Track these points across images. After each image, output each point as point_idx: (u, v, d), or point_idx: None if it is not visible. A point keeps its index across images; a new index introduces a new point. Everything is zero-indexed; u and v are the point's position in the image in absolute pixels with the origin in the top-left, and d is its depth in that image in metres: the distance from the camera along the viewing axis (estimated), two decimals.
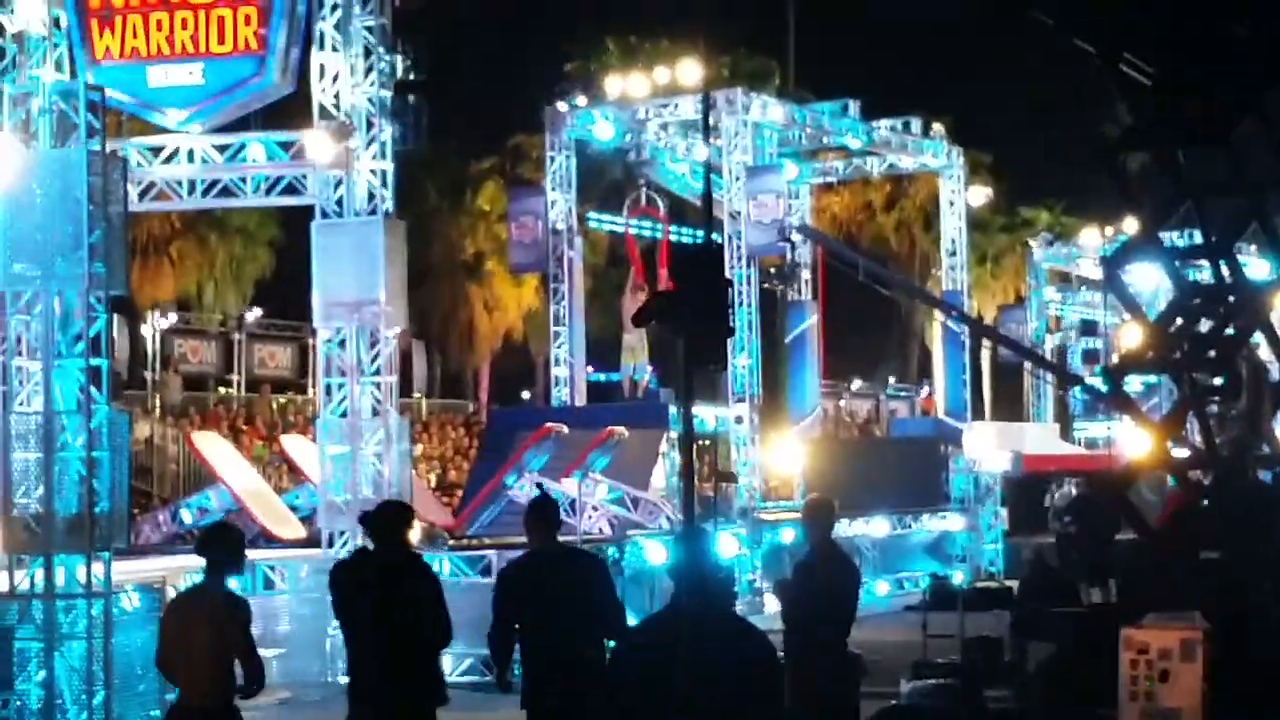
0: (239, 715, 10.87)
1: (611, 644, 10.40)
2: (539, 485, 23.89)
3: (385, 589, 10.84)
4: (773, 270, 35.87)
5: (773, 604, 14.59)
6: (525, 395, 56.76)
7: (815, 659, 12.66)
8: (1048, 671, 16.58)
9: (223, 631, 10.69)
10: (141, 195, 21.97)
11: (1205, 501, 16.70)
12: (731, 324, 9.64)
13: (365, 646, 10.85)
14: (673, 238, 36.22)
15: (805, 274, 37.03)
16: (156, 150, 22.02)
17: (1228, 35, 15.71)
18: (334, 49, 21.28)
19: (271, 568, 21.94)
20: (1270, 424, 17.56)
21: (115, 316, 20.26)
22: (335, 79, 21.28)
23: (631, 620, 11.18)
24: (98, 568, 16.47)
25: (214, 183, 22.06)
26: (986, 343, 42.70)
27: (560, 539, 11.56)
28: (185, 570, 19.46)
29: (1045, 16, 16.13)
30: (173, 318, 48.84)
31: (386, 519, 11.26)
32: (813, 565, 12.88)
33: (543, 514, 11.15)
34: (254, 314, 50.06)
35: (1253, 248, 37.06)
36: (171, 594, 17.94)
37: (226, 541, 11.24)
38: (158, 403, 43.05)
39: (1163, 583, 14.93)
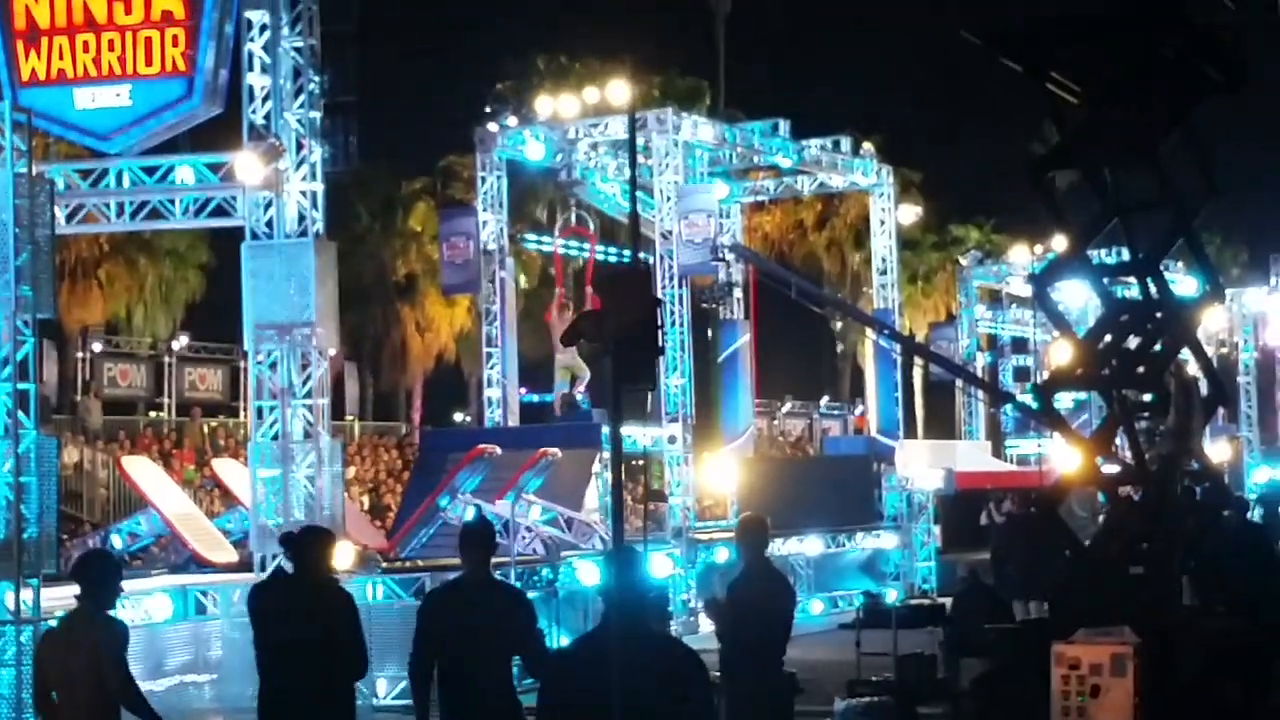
0: None
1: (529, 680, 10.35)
2: (476, 507, 23.83)
3: (302, 614, 10.78)
4: (705, 290, 35.91)
5: (707, 624, 14.58)
6: (458, 416, 56.60)
7: (750, 678, 12.67)
8: (981, 688, 16.63)
9: (100, 661, 10.30)
10: (69, 218, 21.82)
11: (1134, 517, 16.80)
12: (662, 343, 9.60)
13: (279, 672, 10.79)
14: (603, 257, 36.24)
15: (738, 293, 37.08)
16: (85, 173, 21.88)
17: (1155, 53, 15.82)
18: (263, 70, 21.19)
19: (204, 592, 21.80)
20: (1199, 440, 17.69)
21: (43, 340, 20.11)
22: (264, 100, 21.20)
23: (564, 640, 11.16)
24: (26, 594, 16.35)
25: (143, 204, 21.91)
26: (919, 361, 42.89)
27: (494, 560, 11.51)
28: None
29: (973, 35, 16.20)
30: (100, 341, 48.45)
31: (306, 543, 11.20)
32: (747, 584, 12.89)
33: (476, 538, 11.07)
34: (183, 338, 49.74)
35: (1180, 265, 37.47)
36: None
37: (99, 568, 10.92)
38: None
39: (1093, 598, 15.00)
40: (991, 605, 20.26)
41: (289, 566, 11.44)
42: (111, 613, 10.70)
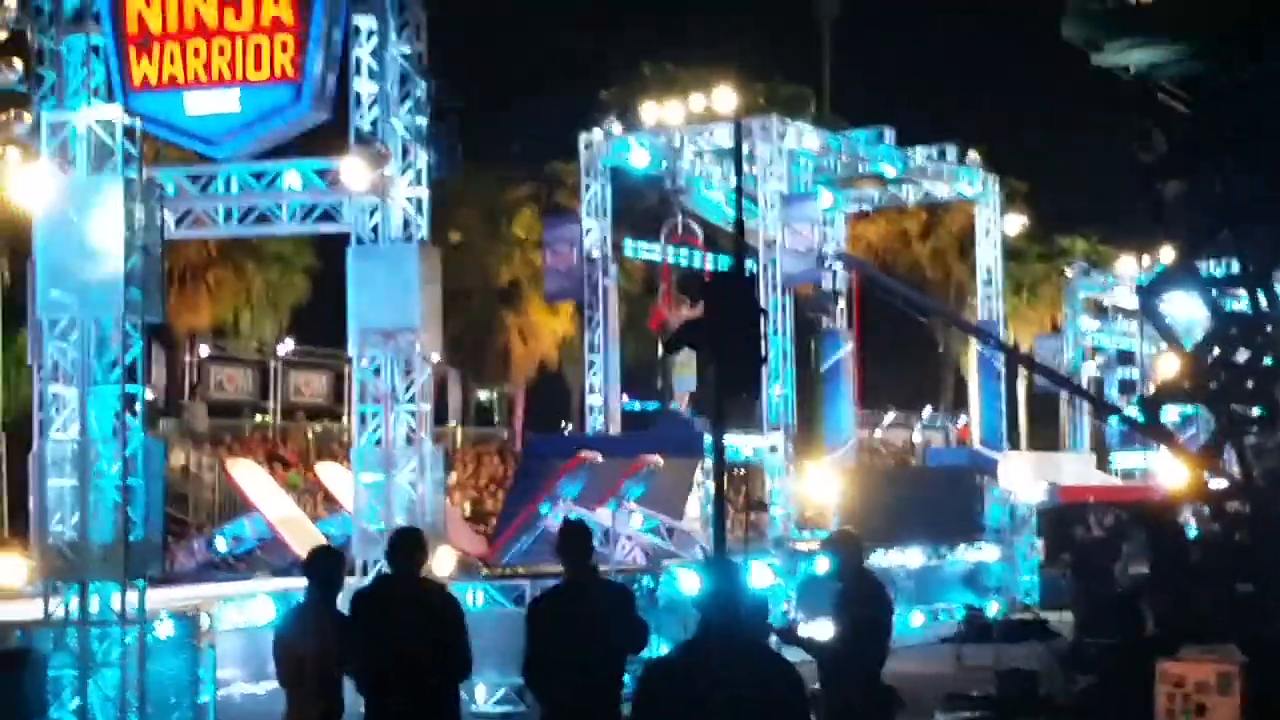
0: None
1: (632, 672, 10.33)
2: (580, 519, 23.85)
3: (407, 616, 10.81)
4: (810, 300, 35.81)
5: (807, 633, 14.50)
6: (561, 423, 56.75)
7: (850, 691, 12.59)
8: (1083, 704, 16.49)
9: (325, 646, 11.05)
10: (178, 222, 22.01)
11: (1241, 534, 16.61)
12: (765, 352, 9.56)
13: (384, 675, 10.79)
14: (710, 266, 36.21)
15: (840, 303, 36.96)
16: (194, 178, 22.06)
17: (1268, 60, 15.65)
18: (370, 76, 21.31)
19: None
20: None
21: (152, 344, 20.29)
22: (371, 106, 21.32)
23: (664, 650, 11.12)
24: (132, 595, 16.49)
25: (250, 210, 22.06)
26: (1023, 372, 42.56)
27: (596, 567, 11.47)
28: (220, 597, 19.50)
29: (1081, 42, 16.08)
30: (208, 345, 48.94)
31: (398, 546, 11.30)
32: (847, 596, 12.81)
33: (571, 541, 11.03)
34: (289, 342, 50.14)
35: None
36: (206, 621, 18.01)
37: (330, 562, 11.71)
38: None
39: (1199, 616, 14.84)
40: (1121, 621, 19.89)
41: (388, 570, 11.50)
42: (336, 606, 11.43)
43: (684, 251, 36.90)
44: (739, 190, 12.30)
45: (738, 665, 8.25)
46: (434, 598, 11.25)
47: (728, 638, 8.38)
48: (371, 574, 20.74)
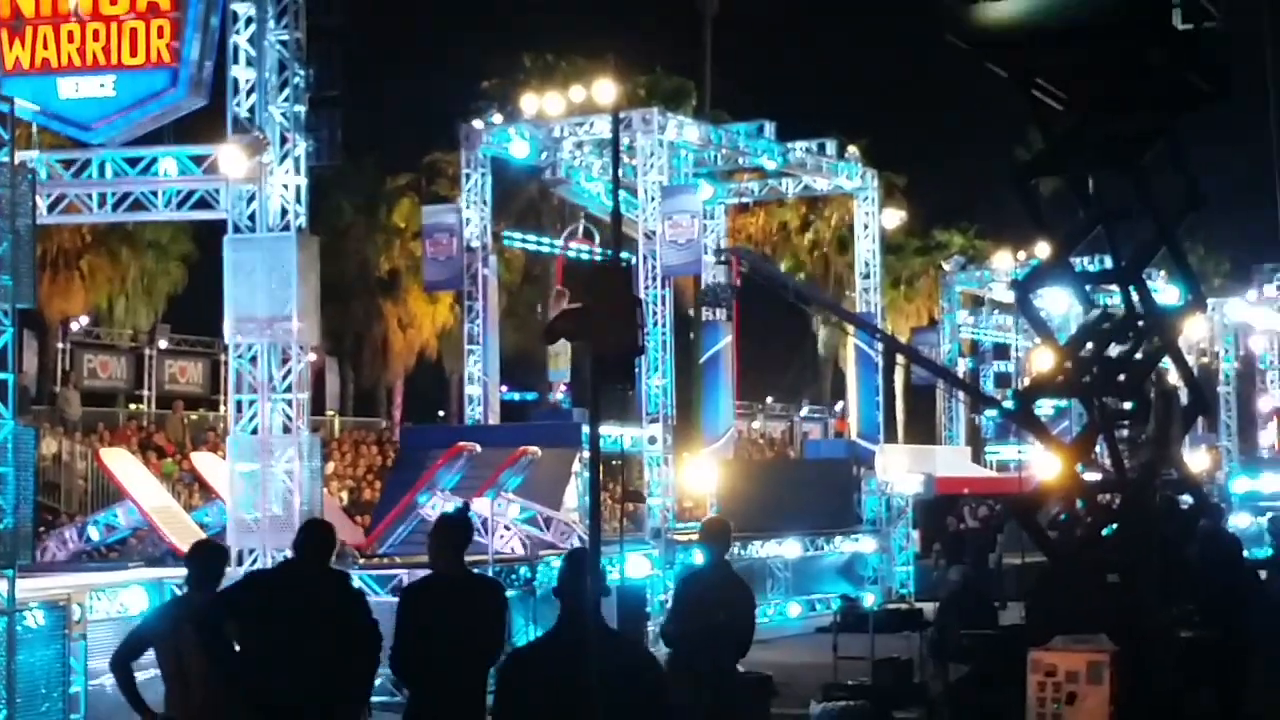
0: None
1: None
2: (466, 505, 23.82)
3: (318, 606, 10.71)
4: (706, 293, 35.96)
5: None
6: (439, 414, 56.56)
7: (704, 679, 12.63)
8: (956, 693, 16.65)
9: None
10: (51, 208, 21.75)
11: (1113, 525, 16.81)
12: (643, 344, 9.57)
13: (289, 663, 10.62)
14: (576, 256, 36.33)
15: (704, 288, 37.04)
16: (67, 163, 21.80)
17: (1140, 61, 15.83)
18: (248, 63, 21.14)
19: (180, 586, 21.68)
20: (1179, 449, 17.71)
21: (23, 330, 20.02)
22: (249, 93, 21.15)
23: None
24: (1, 585, 16.25)
25: (125, 196, 21.83)
26: (900, 365, 42.90)
27: (470, 559, 11.42)
28: (92, 587, 19.25)
29: (959, 40, 16.19)
30: (81, 332, 48.33)
31: (315, 535, 11.15)
32: (709, 585, 12.82)
33: (446, 534, 10.91)
34: (164, 330, 49.62)
35: (1162, 273, 37.55)
36: (78, 611, 17.78)
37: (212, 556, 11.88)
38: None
39: (1070, 606, 15.00)
40: (978, 610, 20.19)
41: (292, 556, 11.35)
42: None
43: (585, 251, 36.97)
44: (616, 182, 12.31)
45: (596, 652, 8.30)
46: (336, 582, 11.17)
47: (583, 626, 8.43)
48: (248, 563, 20.61)
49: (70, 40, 20.95)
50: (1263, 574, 18.46)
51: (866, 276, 38.27)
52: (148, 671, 11.36)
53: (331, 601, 10.84)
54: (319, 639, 10.58)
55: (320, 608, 10.70)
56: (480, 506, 24.04)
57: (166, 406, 45.16)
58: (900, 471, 36.54)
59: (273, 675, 10.60)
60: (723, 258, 32.74)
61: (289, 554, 11.57)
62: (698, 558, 12.93)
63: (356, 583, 20.62)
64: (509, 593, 11.33)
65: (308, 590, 10.76)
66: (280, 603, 10.72)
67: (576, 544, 24.50)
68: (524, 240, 41.10)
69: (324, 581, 10.94)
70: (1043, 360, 21.73)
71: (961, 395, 44.91)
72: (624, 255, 25.40)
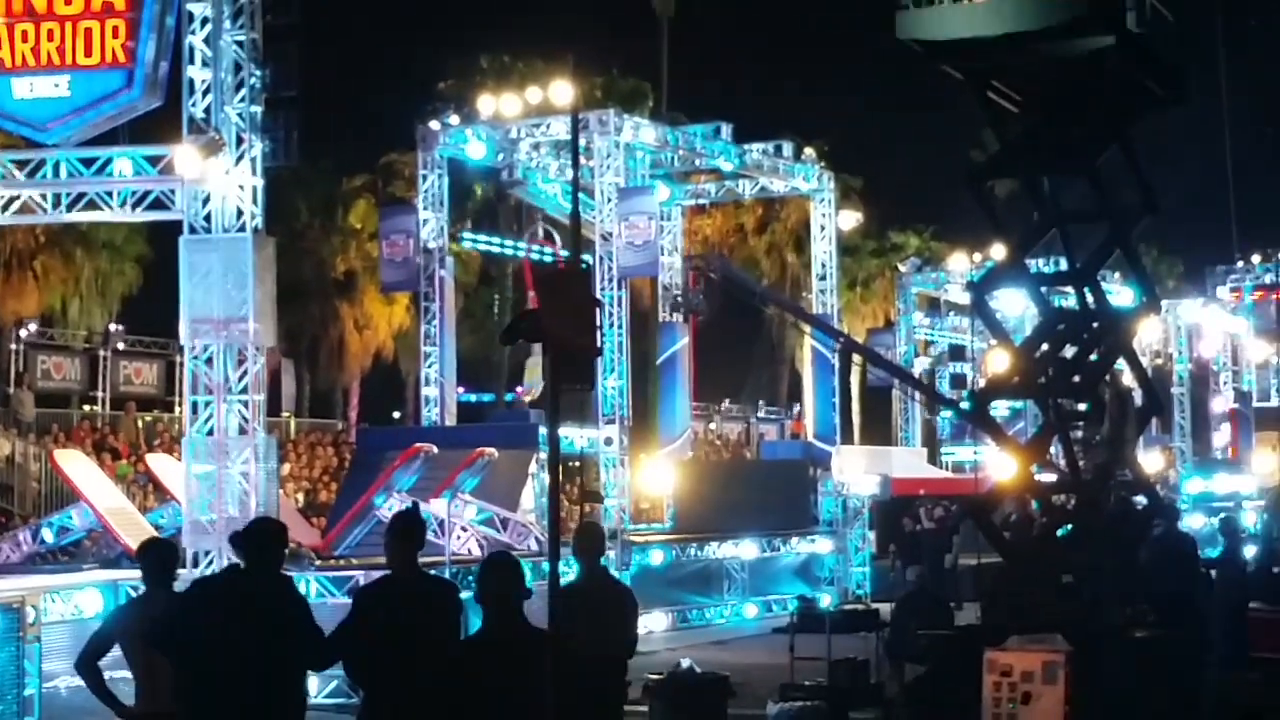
0: None
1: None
2: (415, 504, 23.78)
3: (257, 611, 10.62)
4: (684, 296, 36.05)
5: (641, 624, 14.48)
6: (396, 415, 56.42)
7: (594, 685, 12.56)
8: (913, 693, 16.69)
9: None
10: (4, 208, 21.67)
11: (1068, 525, 16.90)
12: (599, 344, 9.59)
13: (227, 671, 10.57)
14: (539, 257, 36.30)
15: (676, 296, 37.11)
16: (21, 163, 21.71)
17: (1095, 65, 15.92)
18: (203, 63, 21.09)
19: (135, 587, 21.56)
20: (1133, 449, 17.81)
21: None
22: (205, 94, 21.09)
23: None
24: None
25: (80, 196, 21.75)
26: (856, 367, 42.98)
27: (425, 559, 11.35)
28: (46, 589, 19.18)
29: (914, 44, 16.26)
30: (35, 333, 48.06)
31: (261, 537, 11.06)
32: (585, 591, 12.73)
33: (398, 532, 10.84)
34: (119, 331, 49.38)
35: (1116, 276, 37.75)
36: (31, 613, 17.70)
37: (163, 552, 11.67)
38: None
39: (1025, 606, 15.08)
40: (934, 611, 20.25)
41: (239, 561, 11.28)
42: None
43: (549, 253, 36.94)
44: (575, 183, 12.28)
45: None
46: (283, 587, 11.12)
47: (507, 629, 8.62)
48: (203, 565, 20.56)
49: (24, 40, 20.86)
50: (1214, 574, 18.63)
51: (823, 278, 38.36)
52: (114, 672, 11.28)
53: (280, 609, 10.76)
54: (264, 647, 10.50)
55: (268, 616, 10.61)
56: (437, 508, 24.02)
57: (121, 408, 44.91)
58: (856, 472, 36.62)
59: (215, 685, 10.53)
60: (691, 264, 32.80)
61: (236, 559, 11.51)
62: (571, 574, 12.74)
63: (314, 585, 20.68)
64: (464, 594, 11.24)
65: (255, 598, 10.68)
66: (227, 613, 10.66)
67: (534, 545, 24.51)
68: (481, 241, 41.06)
69: (272, 588, 10.86)
70: (998, 361, 21.84)
71: (918, 396, 45.03)
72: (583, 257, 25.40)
